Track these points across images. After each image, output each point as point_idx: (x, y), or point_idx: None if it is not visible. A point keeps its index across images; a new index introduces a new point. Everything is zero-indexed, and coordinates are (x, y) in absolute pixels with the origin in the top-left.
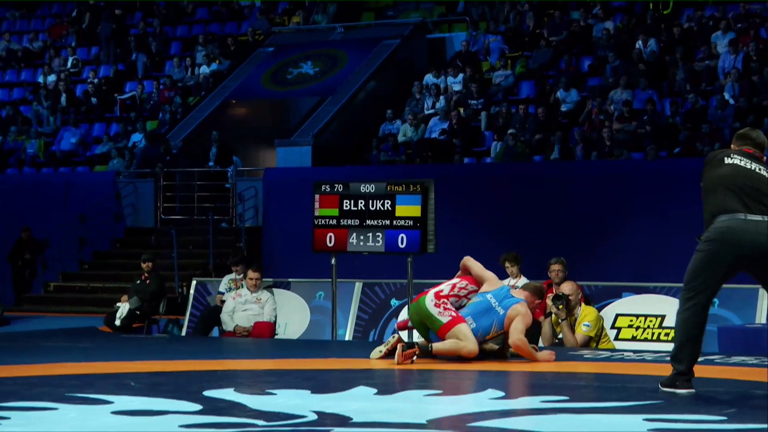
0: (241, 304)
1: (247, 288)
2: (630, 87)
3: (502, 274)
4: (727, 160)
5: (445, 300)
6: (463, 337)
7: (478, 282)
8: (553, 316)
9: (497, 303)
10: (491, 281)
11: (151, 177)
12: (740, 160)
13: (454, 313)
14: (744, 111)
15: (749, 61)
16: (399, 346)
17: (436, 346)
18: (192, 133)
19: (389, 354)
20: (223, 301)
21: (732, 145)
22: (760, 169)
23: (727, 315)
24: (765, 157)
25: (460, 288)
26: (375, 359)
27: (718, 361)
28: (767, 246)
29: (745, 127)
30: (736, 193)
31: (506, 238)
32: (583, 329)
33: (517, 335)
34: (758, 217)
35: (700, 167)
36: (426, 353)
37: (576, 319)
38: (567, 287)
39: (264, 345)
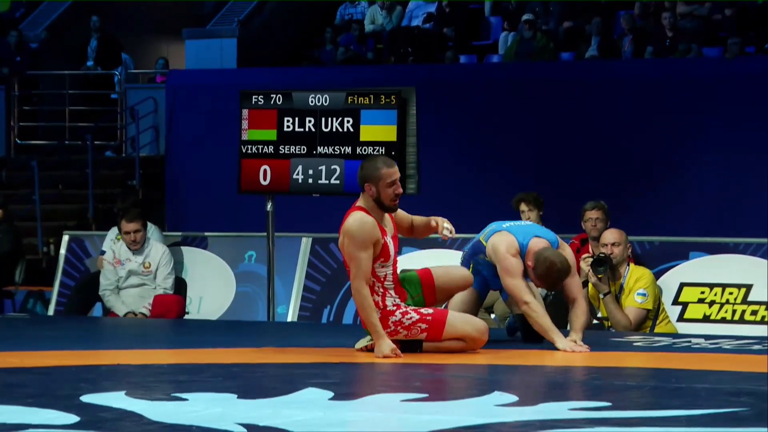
0: (125, 276)
1: (127, 247)
2: None
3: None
4: None
5: (391, 315)
6: (463, 333)
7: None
8: (590, 286)
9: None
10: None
11: (1, 84)
12: None
13: (418, 318)
14: None
15: None
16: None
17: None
18: (60, 19)
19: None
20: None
21: None
22: None
23: None
24: None
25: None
26: (357, 348)
27: None
28: None
29: None
30: None
31: (520, 172)
32: (636, 300)
33: (508, 283)
34: None
35: None
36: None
37: (621, 285)
38: (611, 236)
39: (169, 329)
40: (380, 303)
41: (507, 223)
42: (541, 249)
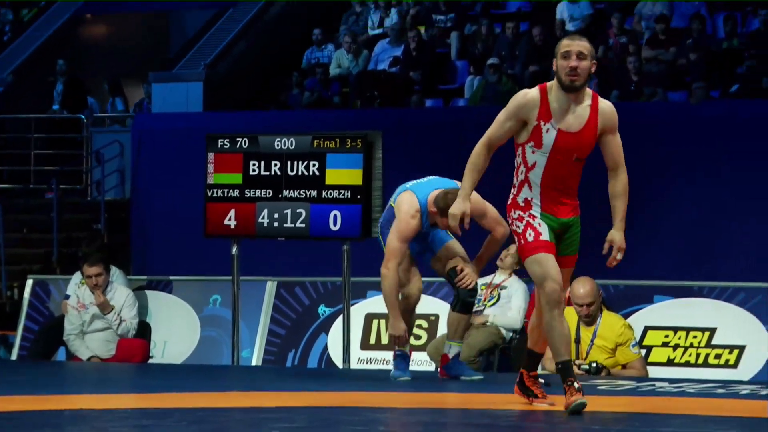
0: (89, 320)
1: (90, 291)
2: None
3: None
4: None
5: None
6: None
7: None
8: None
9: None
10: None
11: None
12: None
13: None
14: None
15: None
16: None
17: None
18: (27, 62)
19: None
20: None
21: None
22: None
23: None
24: None
25: None
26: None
27: None
28: None
29: None
30: None
31: None
32: (633, 352)
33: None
34: None
35: None
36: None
37: (595, 332)
38: (585, 294)
39: (133, 372)
40: (515, 190)
41: (411, 183)
42: (437, 192)
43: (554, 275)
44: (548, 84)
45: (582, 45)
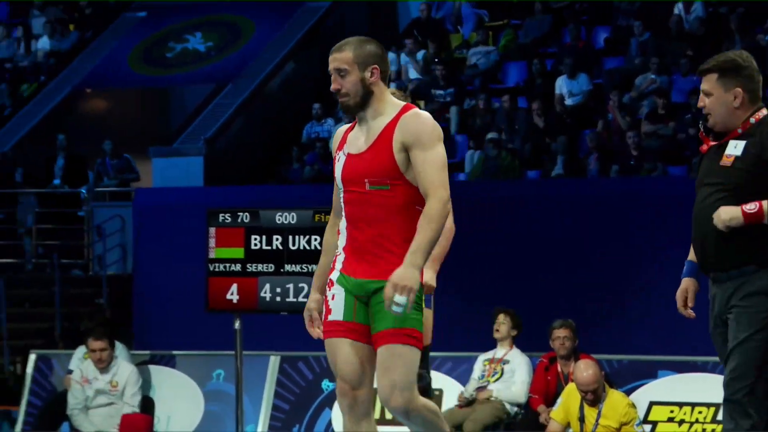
0: (92, 395)
1: (94, 365)
2: (665, 71)
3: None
4: None
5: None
6: None
7: None
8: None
9: None
10: None
11: None
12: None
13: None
14: None
15: None
16: None
17: None
18: (27, 138)
19: None
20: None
21: None
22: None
23: None
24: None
25: None
26: None
27: None
28: None
29: None
30: None
31: (487, 290)
32: (636, 431)
33: None
34: None
35: None
36: None
37: (600, 409)
38: (586, 371)
39: None
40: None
41: None
42: None
43: (342, 371)
44: None
45: (340, 58)
